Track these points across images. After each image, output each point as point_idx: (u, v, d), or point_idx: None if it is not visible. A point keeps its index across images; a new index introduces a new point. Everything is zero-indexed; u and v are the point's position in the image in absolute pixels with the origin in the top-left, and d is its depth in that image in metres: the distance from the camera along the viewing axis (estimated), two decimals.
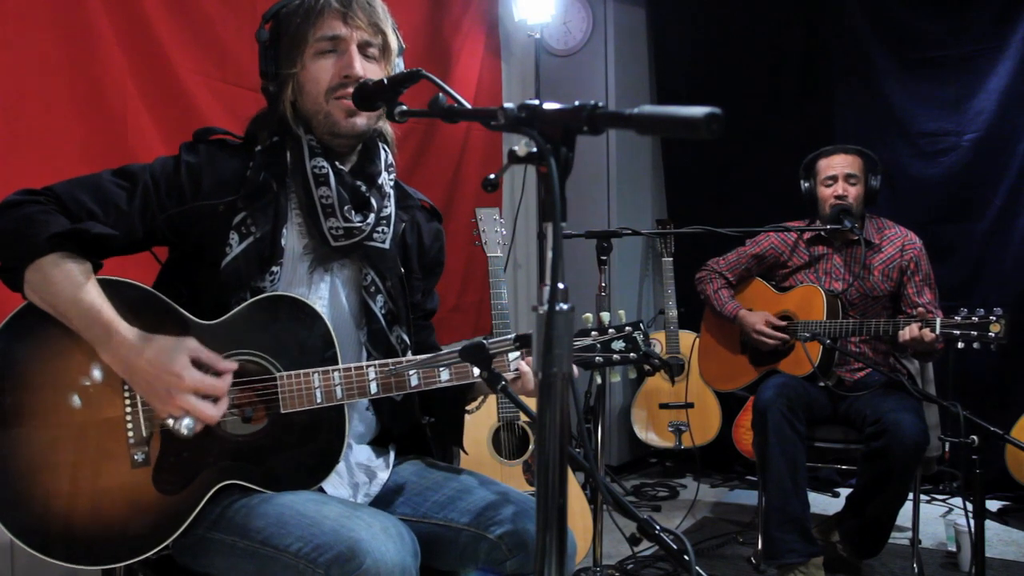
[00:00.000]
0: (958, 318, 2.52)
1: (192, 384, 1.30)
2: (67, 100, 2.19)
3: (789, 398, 2.75)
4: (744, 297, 3.19)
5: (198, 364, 1.33)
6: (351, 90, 1.43)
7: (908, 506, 2.80)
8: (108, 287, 1.36)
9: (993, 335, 2.45)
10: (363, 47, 1.50)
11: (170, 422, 1.32)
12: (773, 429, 2.71)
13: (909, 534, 2.91)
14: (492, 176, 1.04)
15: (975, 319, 2.48)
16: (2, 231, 1.33)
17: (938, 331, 2.55)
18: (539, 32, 4.10)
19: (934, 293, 2.96)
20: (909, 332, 2.61)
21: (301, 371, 1.41)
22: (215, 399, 1.33)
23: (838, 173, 2.97)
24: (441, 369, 1.48)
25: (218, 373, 1.35)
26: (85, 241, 1.36)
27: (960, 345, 2.51)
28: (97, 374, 1.35)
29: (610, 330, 1.55)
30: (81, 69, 2.21)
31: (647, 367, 1.55)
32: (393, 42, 1.54)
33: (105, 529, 1.33)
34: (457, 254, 3.67)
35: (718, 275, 3.22)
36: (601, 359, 1.53)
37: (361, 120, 1.50)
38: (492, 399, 2.72)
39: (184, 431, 1.31)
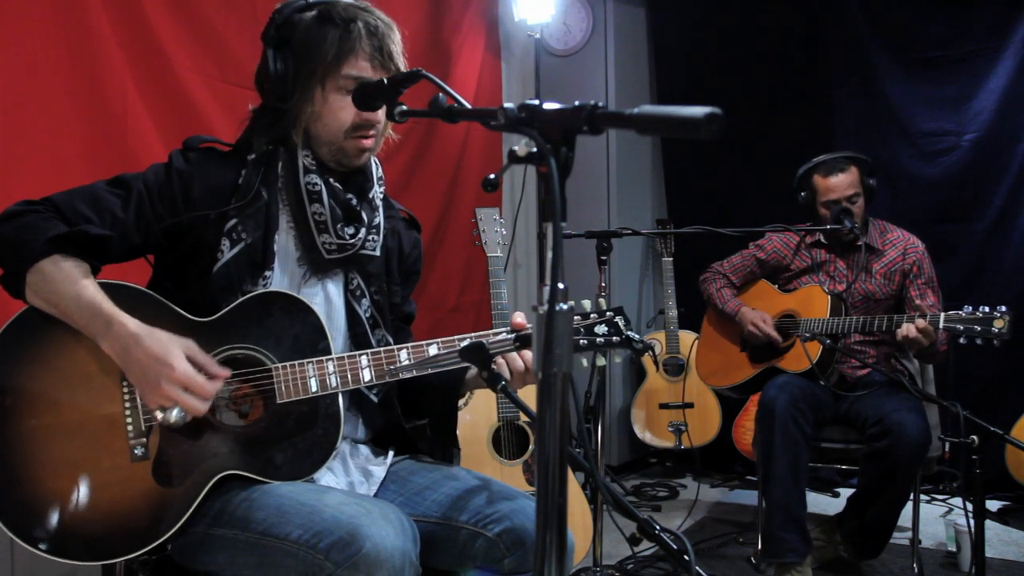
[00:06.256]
0: (962, 313, 2.51)
1: (182, 377, 1.32)
2: (67, 100, 2.19)
3: (796, 397, 2.74)
4: (748, 296, 3.19)
5: (193, 364, 1.35)
6: (371, 133, 1.52)
7: (908, 506, 2.79)
8: (106, 290, 1.38)
9: (996, 331, 2.43)
10: None
11: (158, 414, 1.34)
12: (779, 427, 2.70)
13: (909, 534, 2.91)
14: (492, 176, 1.04)
15: (979, 314, 2.47)
16: (3, 239, 1.37)
17: (941, 325, 2.54)
18: (539, 32, 4.10)
19: (937, 296, 2.94)
20: (906, 330, 2.61)
21: (296, 362, 1.43)
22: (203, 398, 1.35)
23: (840, 197, 2.93)
24: (430, 349, 1.49)
25: (211, 376, 1.37)
26: (84, 244, 1.39)
27: (963, 340, 2.49)
28: (96, 371, 1.36)
29: (592, 315, 1.56)
30: (81, 69, 2.21)
31: (631, 353, 1.55)
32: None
33: (106, 524, 1.33)
34: (457, 254, 3.67)
35: (722, 276, 3.22)
36: (585, 342, 1.54)
37: (367, 155, 1.56)
38: (491, 398, 2.72)
39: (173, 419, 1.33)
